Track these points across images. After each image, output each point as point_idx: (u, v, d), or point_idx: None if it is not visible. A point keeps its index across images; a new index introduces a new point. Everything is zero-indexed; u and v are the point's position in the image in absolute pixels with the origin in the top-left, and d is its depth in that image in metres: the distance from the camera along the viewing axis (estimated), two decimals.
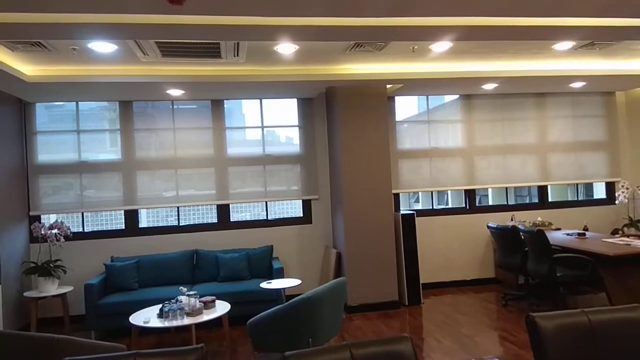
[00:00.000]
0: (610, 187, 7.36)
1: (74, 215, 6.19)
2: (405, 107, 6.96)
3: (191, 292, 4.58)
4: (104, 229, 6.19)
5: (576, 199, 7.50)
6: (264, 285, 5.02)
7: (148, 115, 6.21)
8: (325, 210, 6.55)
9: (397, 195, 6.74)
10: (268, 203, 6.52)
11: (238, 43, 4.34)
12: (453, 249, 6.86)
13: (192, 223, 6.38)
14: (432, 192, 7.44)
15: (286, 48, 4.56)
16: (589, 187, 7.77)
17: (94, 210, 6.03)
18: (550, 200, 7.28)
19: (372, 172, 5.93)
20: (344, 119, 5.89)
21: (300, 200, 6.58)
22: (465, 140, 6.93)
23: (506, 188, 7.34)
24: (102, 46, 4.23)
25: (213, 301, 4.64)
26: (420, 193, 10.07)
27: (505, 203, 7.28)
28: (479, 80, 5.90)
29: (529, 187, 7.30)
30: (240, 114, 6.69)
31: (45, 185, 5.95)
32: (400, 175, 6.75)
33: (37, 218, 5.91)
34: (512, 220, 6.83)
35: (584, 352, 2.00)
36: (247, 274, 5.76)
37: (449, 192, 9.52)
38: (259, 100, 6.48)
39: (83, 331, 5.40)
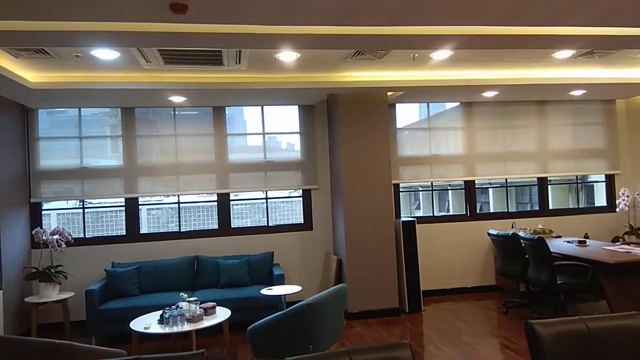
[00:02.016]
0: (611, 195, 7.37)
1: (75, 221, 6.21)
2: (406, 114, 6.99)
3: (192, 298, 4.59)
4: (105, 234, 6.20)
5: (577, 206, 7.51)
6: (265, 291, 5.02)
7: (150, 122, 6.25)
8: (326, 217, 6.56)
9: (397, 202, 6.75)
10: (269, 209, 6.54)
11: (240, 51, 4.38)
12: (454, 256, 6.86)
13: (193, 229, 6.39)
14: (432, 199, 7.44)
15: (287, 56, 4.59)
16: (590, 195, 7.78)
17: (94, 197, 6.06)
18: (551, 207, 7.28)
19: (372, 178, 5.95)
20: (345, 125, 5.91)
21: (301, 207, 6.59)
22: (466, 148, 6.95)
23: (507, 194, 7.36)
24: (105, 53, 4.27)
25: (213, 307, 4.65)
26: (421, 199, 10.10)
27: (506, 210, 7.28)
28: (480, 88, 5.93)
29: (529, 179, 7.27)
30: (241, 120, 6.73)
31: (47, 191, 5.97)
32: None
33: (39, 223, 5.93)
34: (512, 227, 6.84)
35: (582, 358, 2.01)
36: (247, 280, 5.77)
37: (449, 199, 9.54)
38: (260, 107, 6.51)
39: (84, 337, 5.40)
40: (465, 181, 6.99)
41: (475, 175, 6.96)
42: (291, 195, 6.86)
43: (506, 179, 7.18)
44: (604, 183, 7.45)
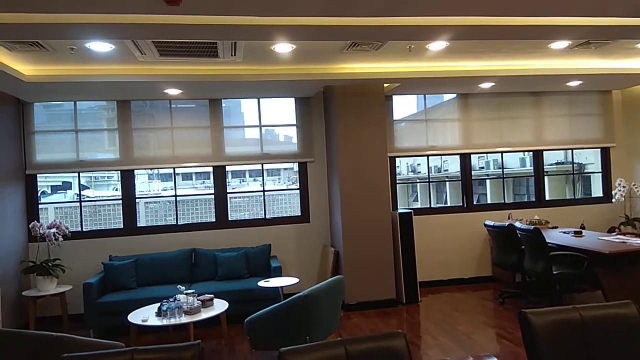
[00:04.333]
0: (608, 186, 7.39)
1: (72, 214, 6.20)
2: (404, 106, 6.98)
3: (189, 291, 4.60)
4: (103, 228, 6.20)
5: (573, 197, 7.52)
6: (262, 283, 5.04)
7: (146, 115, 6.23)
8: (323, 209, 6.57)
9: (395, 194, 6.75)
10: (266, 202, 6.54)
11: (235, 42, 4.35)
12: (450, 248, 6.88)
13: (190, 222, 6.40)
14: (429, 191, 7.45)
15: (283, 47, 4.57)
16: (586, 186, 7.80)
17: (90, 169, 6.07)
18: (547, 198, 7.30)
19: (369, 170, 5.95)
20: (342, 117, 5.91)
21: (299, 199, 6.60)
22: (462, 139, 6.95)
23: (503, 185, 7.37)
24: (100, 46, 4.24)
25: (211, 300, 4.66)
26: (418, 191, 10.10)
27: (503, 201, 7.30)
28: (476, 79, 5.92)
29: (524, 151, 7.36)
30: (238, 113, 6.71)
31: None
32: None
33: (36, 217, 5.92)
34: (509, 218, 6.85)
35: (575, 347, 2.02)
36: (245, 272, 5.78)
37: (447, 191, 9.56)
38: (256, 100, 6.49)
39: (82, 330, 5.40)
40: (462, 172, 7.00)
41: (471, 148, 6.98)
42: (289, 187, 6.87)
43: (502, 154, 7.22)
44: (601, 174, 7.46)
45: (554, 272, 5.12)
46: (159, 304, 4.46)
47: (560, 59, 5.63)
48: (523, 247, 5.53)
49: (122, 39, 4.01)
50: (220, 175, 6.37)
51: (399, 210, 6.12)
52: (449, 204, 8.80)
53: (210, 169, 6.37)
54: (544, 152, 7.21)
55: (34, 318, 5.34)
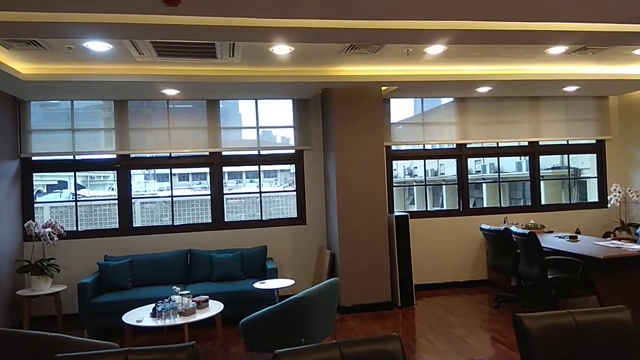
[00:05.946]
0: (603, 191, 7.41)
1: (68, 214, 6.18)
2: (401, 109, 6.99)
3: (184, 292, 4.58)
4: (98, 228, 6.18)
5: (569, 202, 7.55)
6: (258, 285, 5.03)
7: (143, 115, 6.21)
8: (319, 211, 6.57)
9: (391, 197, 6.76)
10: (263, 203, 6.53)
11: (234, 44, 4.36)
12: (446, 251, 6.89)
13: (186, 223, 6.38)
14: (426, 194, 7.47)
15: (281, 49, 4.58)
16: (582, 191, 7.83)
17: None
18: (543, 203, 7.32)
19: (366, 173, 5.95)
20: (339, 120, 5.91)
21: (295, 201, 6.59)
22: (459, 142, 6.96)
23: (499, 189, 7.39)
24: (98, 45, 4.23)
25: (206, 301, 4.65)
26: (415, 195, 10.13)
27: (499, 205, 7.31)
28: (473, 83, 5.94)
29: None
30: (236, 114, 6.71)
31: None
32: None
33: (32, 216, 5.90)
34: (505, 222, 6.86)
35: (570, 352, 2.03)
36: (240, 274, 5.77)
37: (443, 194, 9.58)
38: (254, 101, 6.49)
39: (76, 330, 5.37)
40: (458, 176, 7.01)
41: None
42: (285, 189, 6.87)
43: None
44: (596, 179, 7.49)
45: (549, 277, 5.14)
46: (154, 305, 4.45)
47: (558, 64, 5.66)
48: (519, 251, 5.55)
49: (120, 39, 4.01)
50: (216, 176, 6.36)
51: (396, 213, 6.12)
52: (445, 207, 8.82)
53: (207, 170, 6.38)
54: (540, 157, 7.24)
55: (28, 317, 5.31)
